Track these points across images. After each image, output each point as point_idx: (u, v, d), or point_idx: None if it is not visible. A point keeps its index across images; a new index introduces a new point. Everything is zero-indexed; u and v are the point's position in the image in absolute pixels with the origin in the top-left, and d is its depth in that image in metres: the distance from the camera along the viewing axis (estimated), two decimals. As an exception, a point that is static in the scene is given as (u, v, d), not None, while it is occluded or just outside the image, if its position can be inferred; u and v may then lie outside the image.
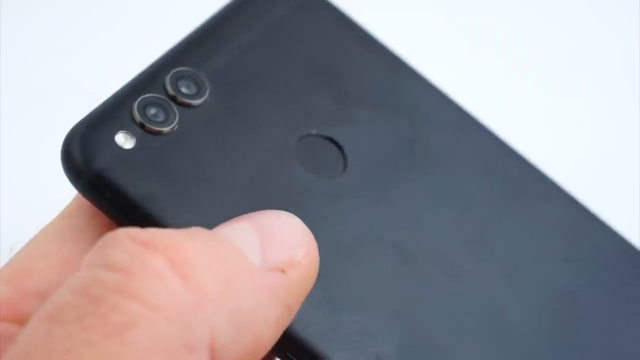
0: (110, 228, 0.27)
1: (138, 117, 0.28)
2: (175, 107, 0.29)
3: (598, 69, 0.54)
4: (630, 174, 0.50)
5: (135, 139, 0.28)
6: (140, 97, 0.28)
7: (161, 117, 0.28)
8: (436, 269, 0.30)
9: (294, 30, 0.31)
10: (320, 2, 0.32)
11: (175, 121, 0.28)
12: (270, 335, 0.25)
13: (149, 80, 0.29)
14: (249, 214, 0.26)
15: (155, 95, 0.28)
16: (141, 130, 0.28)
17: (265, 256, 0.25)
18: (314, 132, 0.30)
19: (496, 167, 0.32)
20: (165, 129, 0.28)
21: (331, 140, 0.30)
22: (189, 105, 0.29)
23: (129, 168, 0.27)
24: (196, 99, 0.29)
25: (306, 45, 0.31)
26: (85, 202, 0.28)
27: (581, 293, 0.31)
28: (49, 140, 0.47)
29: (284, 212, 0.26)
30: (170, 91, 0.29)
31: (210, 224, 0.26)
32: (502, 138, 0.33)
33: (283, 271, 0.25)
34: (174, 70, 0.29)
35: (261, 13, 0.31)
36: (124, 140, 0.28)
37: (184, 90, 0.29)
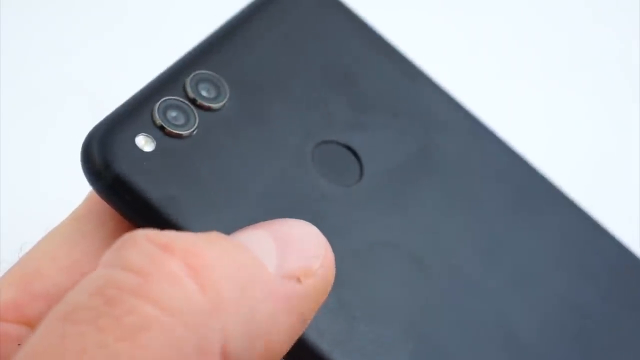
0: (121, 233, 0.27)
1: (159, 120, 0.28)
2: (195, 111, 0.28)
3: (598, 69, 0.54)
4: (630, 174, 0.50)
5: (155, 142, 0.28)
6: (161, 100, 0.28)
7: (181, 120, 0.28)
8: (451, 280, 0.29)
9: (313, 35, 0.31)
10: (340, 7, 0.32)
11: (195, 125, 0.28)
12: (282, 344, 0.24)
13: (169, 82, 0.29)
14: (267, 222, 0.26)
15: (175, 98, 0.28)
16: (161, 133, 0.28)
17: (282, 264, 0.25)
18: (330, 138, 0.30)
19: (510, 178, 0.32)
20: (185, 133, 0.28)
21: (347, 147, 0.30)
22: (208, 109, 0.29)
23: (149, 171, 0.27)
24: (216, 102, 0.29)
25: (325, 51, 0.31)
26: (95, 206, 0.28)
27: (590, 305, 0.31)
28: (49, 140, 0.47)
29: (302, 221, 0.26)
30: (191, 94, 0.29)
31: (227, 229, 0.26)
32: (515, 148, 0.33)
33: (299, 280, 0.25)
34: (194, 73, 0.29)
35: (281, 18, 0.31)
36: (144, 143, 0.27)
37: (204, 93, 0.29)
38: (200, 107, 0.29)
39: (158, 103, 0.28)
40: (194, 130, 0.28)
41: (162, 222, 0.27)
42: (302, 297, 0.25)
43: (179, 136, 0.28)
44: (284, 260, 0.25)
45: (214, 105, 0.29)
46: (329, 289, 0.26)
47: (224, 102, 0.29)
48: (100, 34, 0.51)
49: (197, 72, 0.29)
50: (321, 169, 0.29)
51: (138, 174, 0.27)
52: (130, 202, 0.27)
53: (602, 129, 0.52)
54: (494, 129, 0.33)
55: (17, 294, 0.26)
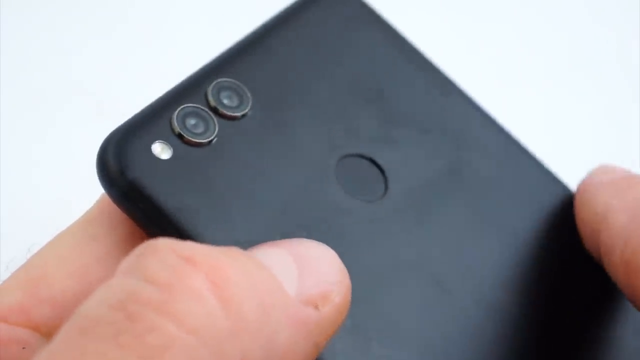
0: (133, 238, 0.27)
1: (177, 127, 0.27)
2: (215, 119, 0.28)
3: (598, 69, 0.54)
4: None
5: (172, 150, 0.27)
6: (181, 107, 0.28)
7: (200, 129, 0.28)
8: (472, 303, 0.29)
9: (341, 44, 0.31)
10: (371, 16, 0.31)
11: (215, 133, 0.28)
12: None
13: (191, 89, 0.28)
14: (286, 241, 0.26)
15: (196, 105, 0.28)
16: (179, 140, 0.27)
17: (302, 288, 0.24)
18: (355, 152, 0.29)
19: (543, 201, 0.31)
20: (204, 141, 0.27)
21: (372, 161, 0.30)
22: (229, 118, 0.28)
23: (165, 179, 0.26)
24: (237, 111, 0.28)
25: (353, 61, 0.31)
26: (108, 209, 0.28)
27: (613, 341, 0.30)
28: (49, 140, 0.47)
29: (322, 244, 0.26)
30: (212, 102, 0.28)
31: (244, 242, 0.26)
32: (550, 168, 0.32)
33: (317, 307, 0.24)
34: (216, 81, 0.28)
35: (309, 26, 0.30)
36: (161, 150, 0.27)
37: (225, 101, 0.28)
38: (221, 115, 0.28)
39: (177, 110, 0.27)
40: (213, 139, 0.28)
41: (175, 231, 0.26)
42: (318, 324, 0.24)
43: (197, 144, 0.27)
44: (303, 283, 0.24)
45: (235, 114, 0.28)
46: (344, 317, 0.25)
47: (246, 111, 0.28)
48: (102, 34, 0.51)
49: (220, 79, 0.28)
50: (344, 183, 0.29)
51: (153, 182, 0.26)
52: (144, 210, 0.26)
53: (603, 129, 0.52)
54: (530, 149, 0.32)
55: (24, 298, 0.26)
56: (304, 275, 0.25)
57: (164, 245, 0.23)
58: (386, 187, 0.29)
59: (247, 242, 0.26)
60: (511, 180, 0.31)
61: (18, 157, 0.47)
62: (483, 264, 0.29)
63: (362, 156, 0.29)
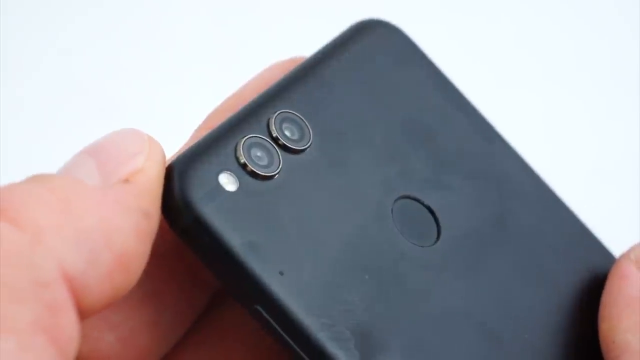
0: None
1: (243, 158, 0.27)
2: (279, 151, 0.27)
3: (600, 70, 0.54)
4: (634, 176, 0.50)
5: (238, 181, 0.26)
6: (246, 137, 0.27)
7: (265, 161, 0.27)
8: (521, 354, 0.29)
9: (393, 80, 0.30)
10: (417, 53, 0.31)
11: (279, 166, 0.27)
12: (133, 245, 0.24)
13: (253, 119, 0.27)
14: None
15: (260, 136, 0.27)
16: (244, 171, 0.27)
17: (104, 174, 0.24)
18: (410, 194, 0.29)
19: (581, 253, 0.31)
20: (268, 174, 0.27)
21: (426, 206, 0.29)
22: (291, 151, 0.28)
23: (231, 213, 0.26)
24: (299, 145, 0.28)
25: (408, 102, 0.30)
26: None
27: None
28: (50, 139, 0.47)
29: (124, 128, 0.26)
30: (274, 133, 0.27)
31: (305, 281, 0.26)
32: (586, 224, 0.32)
33: (127, 180, 0.24)
34: (279, 112, 0.28)
35: (368, 62, 0.30)
36: (227, 182, 0.26)
37: (287, 133, 0.28)
38: (282, 147, 0.27)
39: (243, 140, 0.27)
40: (276, 173, 0.27)
41: (238, 267, 0.26)
42: (135, 194, 0.24)
43: (262, 177, 0.27)
44: (104, 170, 0.25)
45: (297, 147, 0.28)
46: (162, 177, 0.25)
47: (307, 145, 0.28)
48: (101, 35, 0.51)
49: (282, 110, 0.28)
50: (400, 226, 0.28)
51: (220, 216, 0.26)
52: (209, 245, 0.26)
53: (605, 130, 0.52)
54: (565, 201, 0.32)
55: None
56: (103, 162, 0.25)
57: None
58: (439, 233, 0.29)
59: (309, 281, 0.26)
60: (552, 232, 0.31)
61: (17, 157, 0.47)
62: (531, 313, 0.29)
63: (416, 199, 0.29)
